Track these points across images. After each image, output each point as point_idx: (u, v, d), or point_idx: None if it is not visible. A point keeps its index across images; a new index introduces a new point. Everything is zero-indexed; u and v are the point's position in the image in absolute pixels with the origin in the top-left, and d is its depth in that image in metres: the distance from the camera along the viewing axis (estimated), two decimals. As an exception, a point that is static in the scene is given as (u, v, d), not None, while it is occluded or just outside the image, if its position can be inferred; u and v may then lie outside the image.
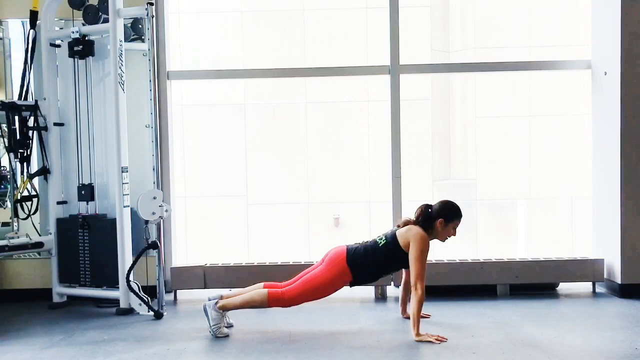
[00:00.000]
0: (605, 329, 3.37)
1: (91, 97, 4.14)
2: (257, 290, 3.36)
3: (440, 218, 3.29)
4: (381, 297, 4.19)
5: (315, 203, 5.71)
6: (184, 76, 4.58)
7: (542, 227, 5.77)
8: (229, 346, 3.15)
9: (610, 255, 4.21)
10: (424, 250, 3.22)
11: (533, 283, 4.21)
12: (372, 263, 3.31)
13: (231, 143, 5.52)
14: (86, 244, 4.07)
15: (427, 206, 3.36)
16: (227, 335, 3.31)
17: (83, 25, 4.06)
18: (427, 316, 3.55)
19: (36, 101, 4.07)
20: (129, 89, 3.94)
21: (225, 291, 3.52)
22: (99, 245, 4.03)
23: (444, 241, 3.38)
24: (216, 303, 3.31)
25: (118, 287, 3.86)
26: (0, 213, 4.39)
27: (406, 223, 3.37)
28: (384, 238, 3.36)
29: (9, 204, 4.35)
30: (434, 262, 4.13)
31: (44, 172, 4.11)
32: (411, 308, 3.21)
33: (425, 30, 6.01)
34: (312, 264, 3.53)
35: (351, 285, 3.37)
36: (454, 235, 3.35)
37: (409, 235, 3.27)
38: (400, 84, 4.36)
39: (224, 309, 3.32)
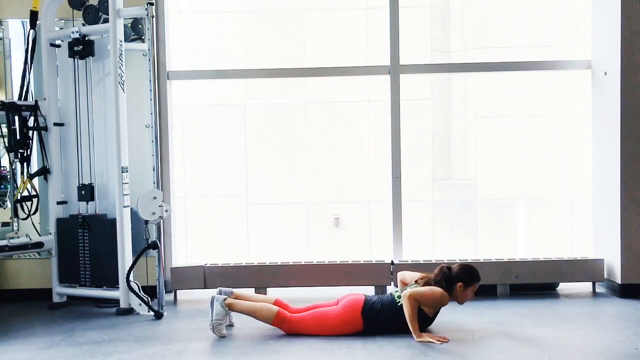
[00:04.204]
0: (605, 329, 3.37)
1: (91, 97, 4.14)
2: (268, 305, 3.35)
3: (460, 282, 3.27)
4: (381, 297, 4.18)
5: (315, 203, 5.71)
6: (184, 76, 4.58)
7: (542, 227, 5.76)
8: (229, 346, 3.15)
9: (610, 255, 4.21)
10: (437, 303, 3.23)
11: (533, 283, 4.21)
12: (385, 320, 3.27)
13: (231, 143, 5.52)
14: (86, 244, 4.07)
15: (448, 268, 3.32)
16: (224, 336, 3.30)
17: (83, 25, 4.06)
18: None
19: (36, 101, 4.07)
20: (129, 89, 3.94)
21: (236, 290, 3.51)
22: (99, 245, 4.03)
23: (462, 303, 3.35)
24: (225, 299, 3.31)
25: (118, 287, 3.87)
26: (0, 213, 4.39)
27: (426, 282, 3.31)
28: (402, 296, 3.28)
29: (9, 204, 4.35)
30: (434, 262, 4.13)
31: (44, 172, 4.11)
32: (406, 315, 3.18)
33: (425, 30, 6.00)
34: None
35: (361, 334, 3.30)
36: (472, 298, 3.33)
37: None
38: (400, 84, 4.37)
39: (230, 307, 3.32)
